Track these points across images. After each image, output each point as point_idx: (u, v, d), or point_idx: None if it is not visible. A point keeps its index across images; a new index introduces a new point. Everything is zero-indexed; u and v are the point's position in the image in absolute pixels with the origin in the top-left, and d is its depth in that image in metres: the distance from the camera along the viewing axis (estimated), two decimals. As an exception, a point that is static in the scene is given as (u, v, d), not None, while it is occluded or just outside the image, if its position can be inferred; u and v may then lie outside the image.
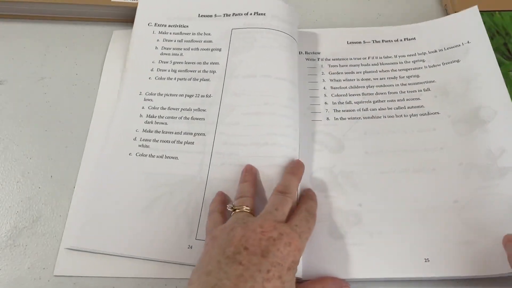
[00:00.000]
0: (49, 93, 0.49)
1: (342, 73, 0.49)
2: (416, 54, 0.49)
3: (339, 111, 0.46)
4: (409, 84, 0.47)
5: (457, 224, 0.39)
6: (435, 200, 0.40)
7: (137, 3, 0.52)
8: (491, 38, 0.50)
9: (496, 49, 0.49)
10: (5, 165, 0.45)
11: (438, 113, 0.45)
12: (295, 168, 0.39)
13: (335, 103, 0.47)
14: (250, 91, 0.44)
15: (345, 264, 0.38)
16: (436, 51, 0.49)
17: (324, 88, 0.48)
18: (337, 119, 0.46)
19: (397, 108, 0.46)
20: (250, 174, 0.39)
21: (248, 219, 0.34)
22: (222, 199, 0.40)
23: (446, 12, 0.54)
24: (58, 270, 0.39)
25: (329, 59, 0.50)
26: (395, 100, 0.46)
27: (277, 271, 0.30)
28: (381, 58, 0.50)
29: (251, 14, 0.48)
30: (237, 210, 0.36)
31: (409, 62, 0.49)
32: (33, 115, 0.47)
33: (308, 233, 0.35)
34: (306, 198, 0.39)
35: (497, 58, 0.48)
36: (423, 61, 0.49)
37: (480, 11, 0.52)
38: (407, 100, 0.46)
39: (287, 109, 0.43)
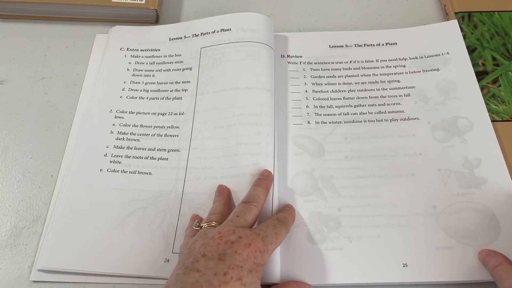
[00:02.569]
0: (49, 93, 0.48)
1: (324, 76, 0.47)
2: (397, 59, 0.48)
3: (320, 115, 0.45)
4: (390, 88, 0.46)
5: (436, 229, 0.38)
6: (414, 205, 0.39)
7: (137, 4, 0.52)
8: (491, 38, 0.50)
9: (495, 50, 0.48)
10: (5, 164, 0.44)
11: (418, 118, 0.44)
12: (261, 179, 0.38)
13: (316, 107, 0.45)
14: (220, 105, 0.44)
15: (324, 269, 0.37)
16: (416, 58, 0.48)
17: (306, 91, 0.46)
18: (318, 123, 0.44)
19: (378, 113, 0.45)
20: (220, 194, 0.39)
21: (209, 230, 0.33)
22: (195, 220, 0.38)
23: (445, 13, 0.53)
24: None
25: (311, 63, 0.48)
26: (376, 105, 0.45)
27: (235, 273, 0.29)
28: (363, 62, 0.48)
29: (218, 31, 0.49)
30: (203, 226, 0.35)
31: (390, 67, 0.48)
32: (33, 114, 0.47)
33: (274, 238, 0.33)
34: (281, 211, 0.38)
35: (496, 58, 0.48)
36: (404, 66, 0.47)
37: (479, 11, 0.51)
38: (387, 104, 0.45)
39: (256, 116, 0.42)
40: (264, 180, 0.39)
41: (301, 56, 0.49)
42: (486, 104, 0.45)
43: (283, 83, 0.47)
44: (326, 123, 0.44)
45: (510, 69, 0.48)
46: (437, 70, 0.47)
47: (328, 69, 0.48)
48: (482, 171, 0.41)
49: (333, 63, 0.49)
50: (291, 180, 0.42)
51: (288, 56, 0.49)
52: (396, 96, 0.46)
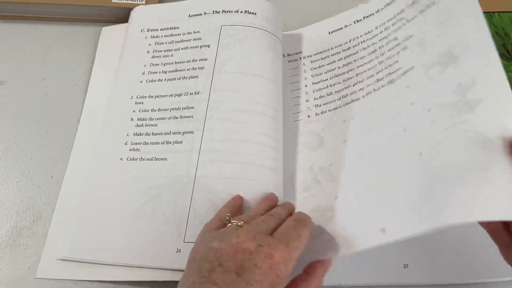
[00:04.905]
0: (49, 94, 0.48)
1: (323, 65, 0.46)
2: (395, 15, 0.44)
3: (319, 105, 0.43)
4: (388, 50, 0.43)
5: (423, 178, 0.32)
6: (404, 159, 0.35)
7: (137, 4, 0.51)
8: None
9: (495, 50, 0.49)
10: (5, 165, 0.44)
11: (413, 67, 0.39)
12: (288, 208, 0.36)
13: (316, 98, 0.44)
14: (241, 88, 0.42)
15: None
16: (413, 3, 0.43)
17: (306, 86, 0.45)
18: (318, 114, 0.43)
19: (376, 81, 0.42)
20: (268, 199, 0.36)
21: (230, 230, 0.30)
22: (235, 205, 0.36)
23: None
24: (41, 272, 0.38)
25: (311, 55, 0.47)
26: (374, 74, 0.42)
27: None
28: (362, 36, 0.46)
29: (241, 12, 0.46)
30: (232, 223, 0.32)
31: (389, 27, 0.44)
32: (33, 115, 0.47)
33: (298, 242, 0.29)
34: (296, 213, 0.35)
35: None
36: (402, 19, 0.43)
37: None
38: (385, 68, 0.42)
39: (275, 111, 0.41)
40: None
41: (300, 52, 0.48)
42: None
43: (284, 82, 0.46)
44: (325, 112, 0.43)
45: (510, 69, 0.47)
46: (433, 3, 0.41)
47: (328, 56, 0.47)
48: (476, 93, 0.33)
49: (332, 48, 0.47)
50: (292, 178, 0.40)
51: (288, 55, 0.48)
52: (394, 55, 0.42)
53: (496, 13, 0.51)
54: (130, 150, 0.41)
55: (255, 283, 0.26)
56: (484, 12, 0.50)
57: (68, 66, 0.50)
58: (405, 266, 0.36)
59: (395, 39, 0.43)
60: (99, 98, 0.47)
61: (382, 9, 0.46)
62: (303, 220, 0.32)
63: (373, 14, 0.47)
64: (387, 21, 0.45)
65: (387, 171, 0.35)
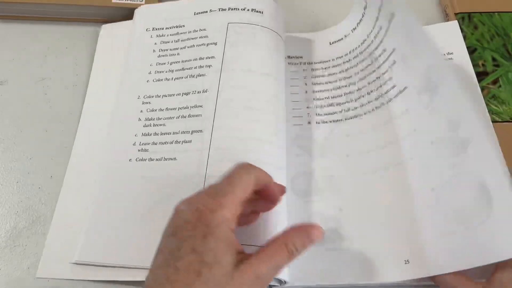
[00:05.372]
0: (49, 94, 0.48)
1: (324, 75, 0.47)
2: (374, 26, 0.46)
3: (321, 114, 0.44)
4: (383, 62, 0.44)
5: (438, 223, 0.36)
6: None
7: (138, 4, 0.51)
8: (491, 39, 0.49)
9: (495, 50, 0.48)
10: (5, 165, 0.44)
11: (406, 87, 0.41)
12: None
13: (317, 107, 0.45)
14: (250, 86, 0.41)
15: (325, 270, 0.36)
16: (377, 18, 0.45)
17: (306, 92, 0.46)
18: (318, 123, 0.44)
19: (376, 99, 0.43)
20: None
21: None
22: None
23: (446, 14, 0.53)
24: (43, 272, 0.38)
25: (311, 63, 0.48)
26: (373, 90, 0.44)
27: (188, 245, 0.26)
28: (359, 46, 0.47)
29: (248, 10, 0.46)
30: None
31: (376, 37, 0.46)
32: (33, 115, 0.46)
33: (228, 186, 0.29)
34: None
35: (496, 59, 0.47)
36: (381, 28, 0.45)
37: (479, 12, 0.50)
38: (383, 84, 0.43)
39: (281, 111, 0.41)
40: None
41: (301, 57, 0.49)
42: (486, 105, 0.45)
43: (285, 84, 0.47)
44: (326, 122, 0.44)
45: (510, 69, 0.47)
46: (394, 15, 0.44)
47: (329, 67, 0.48)
48: (464, 131, 0.36)
49: (333, 59, 0.48)
50: (292, 181, 0.41)
51: (288, 57, 0.49)
52: (387, 70, 0.44)
53: (496, 13, 0.51)
54: (138, 150, 0.41)
55: (188, 238, 0.27)
56: (484, 12, 0.51)
57: (68, 66, 0.50)
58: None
59: (384, 50, 0.44)
60: (99, 98, 0.47)
61: (361, 19, 0.48)
62: (236, 169, 0.31)
63: (361, 20, 0.48)
64: (371, 31, 0.46)
65: (399, 200, 0.38)
